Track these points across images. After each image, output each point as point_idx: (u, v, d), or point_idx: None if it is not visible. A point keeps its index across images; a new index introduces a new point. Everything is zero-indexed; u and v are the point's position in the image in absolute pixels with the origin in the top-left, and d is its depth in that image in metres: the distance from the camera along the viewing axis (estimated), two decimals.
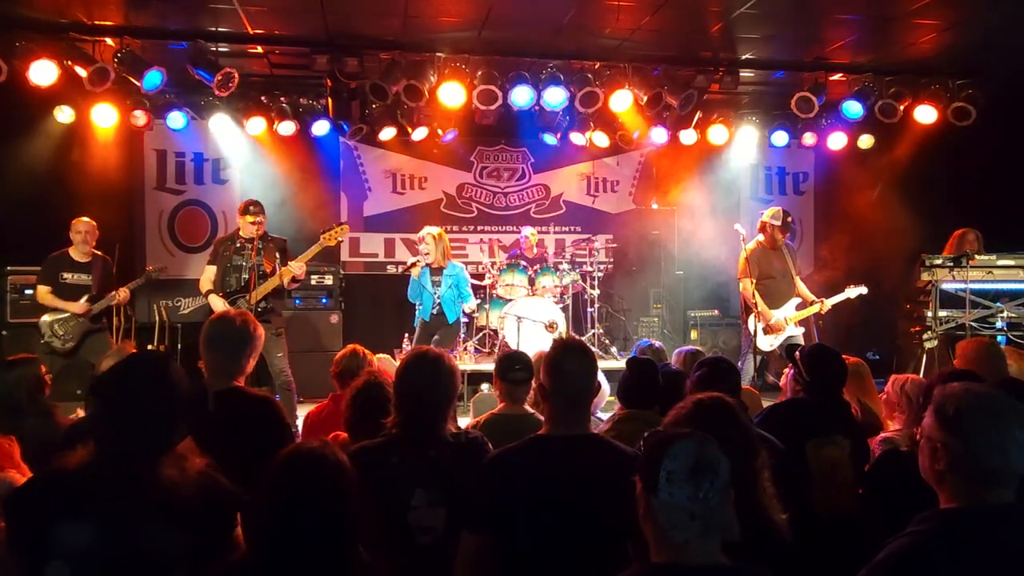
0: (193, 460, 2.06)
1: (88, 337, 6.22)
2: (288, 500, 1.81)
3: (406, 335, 8.24)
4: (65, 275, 6.21)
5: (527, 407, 3.44)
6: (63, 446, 2.24)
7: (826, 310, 6.62)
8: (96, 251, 6.37)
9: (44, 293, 6.17)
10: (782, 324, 6.54)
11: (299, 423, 6.42)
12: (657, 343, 4.82)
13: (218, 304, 5.82)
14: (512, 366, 3.37)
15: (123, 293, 6.34)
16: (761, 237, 6.77)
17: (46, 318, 6.14)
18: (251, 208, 6.02)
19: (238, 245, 6.02)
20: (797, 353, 3.41)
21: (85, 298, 6.18)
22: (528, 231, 8.65)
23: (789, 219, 6.81)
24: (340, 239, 6.16)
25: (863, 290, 6.60)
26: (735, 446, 1.96)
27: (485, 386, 6.59)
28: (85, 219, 6.34)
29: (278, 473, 1.86)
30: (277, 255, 6.02)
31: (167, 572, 1.93)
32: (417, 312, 6.85)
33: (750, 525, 1.90)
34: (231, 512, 2.06)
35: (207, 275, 6.04)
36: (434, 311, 6.67)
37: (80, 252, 6.27)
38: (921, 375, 5.78)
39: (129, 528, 1.89)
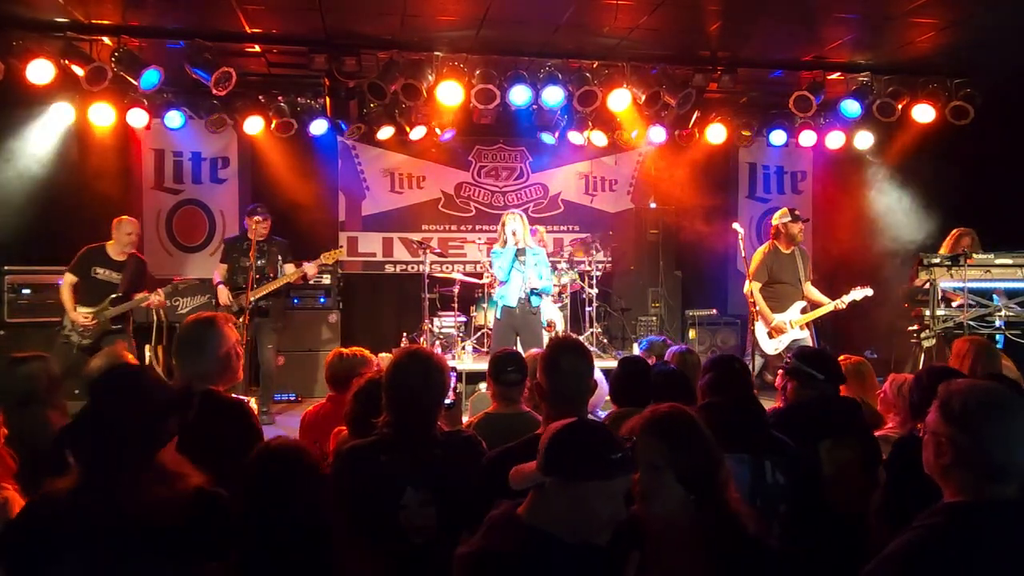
0: (188, 478, 1.98)
1: (106, 337, 6.18)
2: (259, 496, 1.81)
3: (404, 334, 8.25)
4: (98, 270, 6.23)
5: (523, 406, 3.42)
6: (51, 451, 2.21)
7: (843, 307, 6.54)
8: (135, 251, 6.43)
9: (67, 286, 6.16)
10: (784, 327, 6.54)
11: (276, 419, 6.91)
12: (664, 338, 4.88)
13: (224, 295, 6.70)
14: (505, 367, 3.33)
15: (156, 298, 6.31)
16: (774, 241, 6.75)
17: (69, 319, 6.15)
18: (258, 210, 6.72)
19: (244, 247, 6.60)
20: (795, 362, 3.34)
21: (110, 299, 6.17)
22: (539, 229, 8.54)
23: (796, 212, 6.82)
24: (338, 258, 7.24)
25: (869, 292, 6.56)
26: (694, 456, 1.97)
27: (483, 385, 6.58)
28: (132, 219, 6.44)
29: (248, 471, 1.87)
30: (279, 258, 6.82)
31: None
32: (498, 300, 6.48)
33: (730, 538, 1.91)
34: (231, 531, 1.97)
35: (219, 270, 6.93)
36: (523, 296, 6.31)
37: (117, 250, 6.30)
38: None
39: (116, 557, 1.84)
